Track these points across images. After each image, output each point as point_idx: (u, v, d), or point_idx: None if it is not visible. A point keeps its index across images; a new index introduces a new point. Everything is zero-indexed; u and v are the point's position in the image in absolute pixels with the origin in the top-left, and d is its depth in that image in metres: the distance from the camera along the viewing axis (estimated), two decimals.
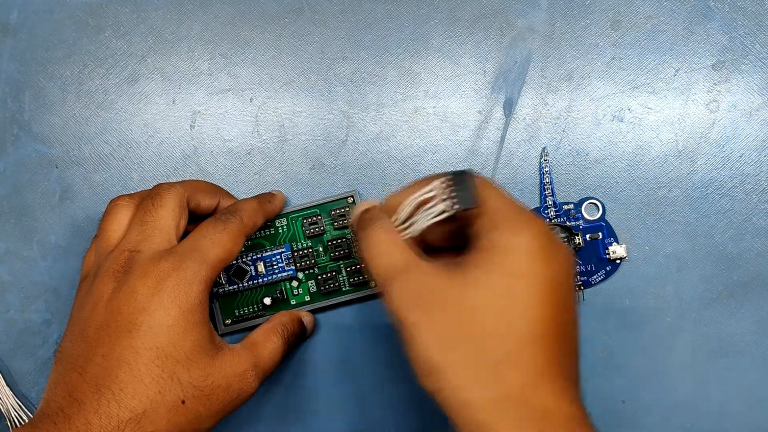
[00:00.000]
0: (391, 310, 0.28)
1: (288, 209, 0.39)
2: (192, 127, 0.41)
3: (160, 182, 0.35)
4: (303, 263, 0.38)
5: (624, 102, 0.38)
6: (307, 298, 0.38)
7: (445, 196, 0.29)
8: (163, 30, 0.41)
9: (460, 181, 0.29)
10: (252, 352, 0.33)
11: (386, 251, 0.29)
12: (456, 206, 0.29)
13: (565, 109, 0.39)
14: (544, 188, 0.38)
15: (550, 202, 0.38)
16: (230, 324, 0.38)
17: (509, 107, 0.39)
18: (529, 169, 0.39)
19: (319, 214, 0.38)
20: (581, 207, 0.38)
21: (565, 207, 0.38)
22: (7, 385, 0.40)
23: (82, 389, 0.29)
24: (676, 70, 0.38)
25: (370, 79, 0.40)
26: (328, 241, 0.38)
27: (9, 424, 0.39)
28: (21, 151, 0.41)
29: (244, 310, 0.38)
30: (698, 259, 0.37)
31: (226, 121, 0.40)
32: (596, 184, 0.38)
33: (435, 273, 0.28)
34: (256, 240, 0.38)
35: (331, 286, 0.38)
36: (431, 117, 0.39)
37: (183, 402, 0.29)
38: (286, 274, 0.38)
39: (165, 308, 0.30)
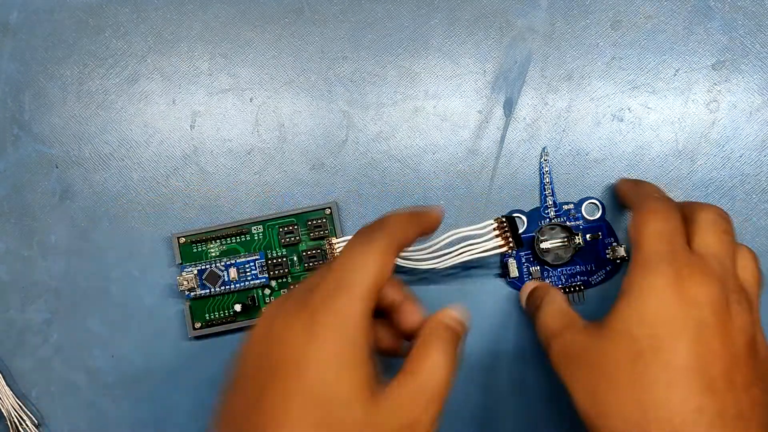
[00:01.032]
0: (554, 369, 0.30)
1: (265, 216, 0.39)
2: (192, 127, 0.41)
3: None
4: (277, 272, 0.38)
5: (624, 102, 0.38)
6: None
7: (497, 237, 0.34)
8: (163, 30, 0.41)
9: (512, 224, 0.34)
10: (418, 383, 0.27)
11: (550, 316, 0.32)
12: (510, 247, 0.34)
13: (565, 109, 0.39)
14: (544, 188, 0.38)
15: (550, 202, 0.38)
16: (200, 328, 0.38)
17: (509, 107, 0.39)
18: (529, 169, 0.39)
19: (296, 224, 0.38)
20: (581, 207, 0.38)
21: (565, 207, 0.38)
22: (7, 385, 0.40)
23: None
24: (676, 70, 0.38)
25: (370, 79, 0.40)
26: (303, 251, 0.38)
27: (9, 424, 0.39)
28: (21, 151, 0.41)
29: (214, 315, 0.38)
30: None
31: (226, 121, 0.40)
32: (596, 184, 0.38)
33: (582, 331, 0.30)
34: (231, 245, 0.39)
35: None
36: (431, 117, 0.39)
37: None
38: (259, 281, 0.38)
39: (320, 348, 0.26)
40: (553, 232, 0.38)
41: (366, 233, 0.29)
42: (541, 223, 0.38)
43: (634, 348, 0.27)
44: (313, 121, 0.40)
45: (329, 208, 0.38)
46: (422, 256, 0.35)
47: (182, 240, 0.39)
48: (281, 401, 0.25)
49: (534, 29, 0.39)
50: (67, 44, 0.41)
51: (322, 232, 0.38)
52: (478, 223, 0.35)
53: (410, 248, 0.34)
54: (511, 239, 0.34)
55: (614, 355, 0.28)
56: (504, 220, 0.34)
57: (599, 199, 0.38)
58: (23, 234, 0.41)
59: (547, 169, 0.38)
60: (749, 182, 0.38)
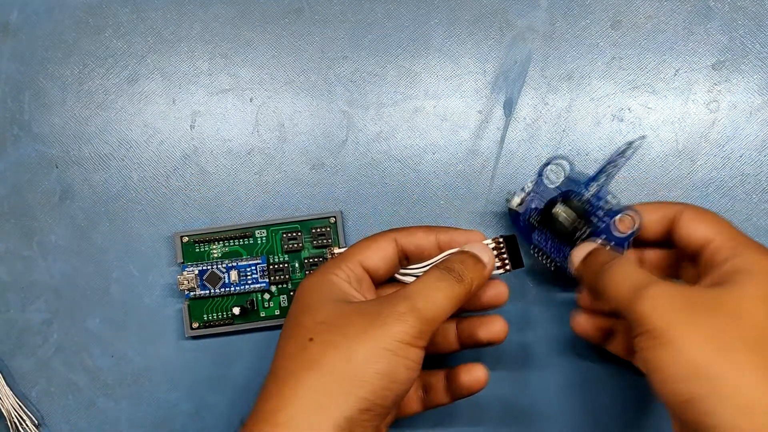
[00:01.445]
0: (644, 321, 0.27)
1: (269, 221, 0.38)
2: (192, 127, 0.41)
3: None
4: (277, 277, 0.38)
5: (624, 102, 0.38)
6: (277, 312, 0.38)
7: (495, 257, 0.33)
8: (163, 30, 0.41)
9: (510, 244, 0.33)
10: (408, 300, 0.30)
11: (630, 272, 0.29)
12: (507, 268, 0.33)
13: (565, 109, 0.39)
14: (606, 170, 0.33)
15: (595, 188, 0.33)
16: (197, 328, 0.38)
17: (509, 107, 0.39)
18: (529, 169, 0.39)
19: (300, 230, 0.38)
20: (544, 172, 0.35)
21: (610, 202, 0.33)
22: (7, 385, 0.40)
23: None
24: (676, 70, 0.38)
25: (370, 79, 0.40)
26: (305, 258, 0.38)
27: (9, 424, 0.39)
28: (21, 151, 0.41)
29: (212, 316, 0.38)
30: None
31: (226, 121, 0.40)
32: None
33: (690, 287, 0.28)
34: (234, 247, 0.38)
35: None
36: (431, 117, 0.39)
37: (311, 339, 0.29)
38: (259, 285, 0.38)
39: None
40: (570, 208, 0.34)
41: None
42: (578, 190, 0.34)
43: None
44: (313, 121, 0.40)
45: (334, 216, 0.38)
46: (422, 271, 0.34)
47: (185, 239, 0.39)
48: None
49: (534, 29, 0.39)
50: (67, 44, 0.41)
51: (324, 241, 0.38)
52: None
53: (413, 265, 0.34)
54: (507, 260, 0.33)
55: (753, 312, 0.27)
56: (501, 240, 0.33)
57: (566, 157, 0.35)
58: (23, 234, 0.41)
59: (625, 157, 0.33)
60: (749, 182, 0.38)
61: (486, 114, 0.39)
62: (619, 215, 0.33)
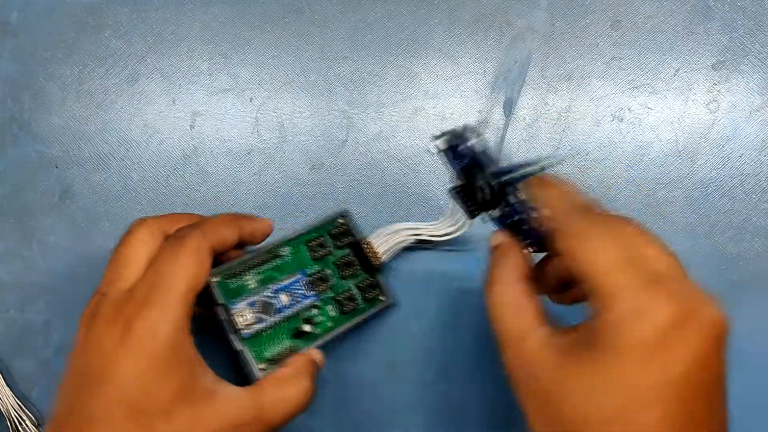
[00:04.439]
0: (523, 368, 0.25)
1: (286, 237, 0.36)
2: (192, 127, 0.41)
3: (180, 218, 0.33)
4: (319, 287, 0.35)
5: (624, 102, 0.38)
6: (330, 324, 0.35)
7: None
8: (163, 30, 0.41)
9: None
10: (256, 399, 0.29)
11: (511, 315, 0.26)
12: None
13: (565, 109, 0.39)
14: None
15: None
16: (265, 369, 0.32)
17: (509, 107, 0.39)
18: None
19: (323, 236, 0.36)
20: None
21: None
22: (7, 385, 0.40)
23: None
24: (676, 70, 0.38)
25: (370, 79, 0.40)
26: (334, 262, 0.36)
27: (9, 424, 0.39)
28: (21, 151, 0.41)
29: (275, 350, 0.33)
30: (698, 259, 0.37)
31: (226, 121, 0.40)
32: (596, 184, 0.38)
33: (547, 349, 0.25)
34: (267, 272, 0.35)
35: (351, 305, 0.36)
36: (431, 117, 0.39)
37: None
38: (309, 300, 0.35)
39: (133, 359, 0.26)
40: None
41: (179, 232, 0.29)
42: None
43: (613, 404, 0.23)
44: (313, 121, 0.40)
45: (342, 216, 0.37)
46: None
47: (215, 279, 0.33)
48: (97, 408, 0.26)
49: (534, 29, 0.39)
50: (67, 44, 0.41)
51: (347, 240, 0.37)
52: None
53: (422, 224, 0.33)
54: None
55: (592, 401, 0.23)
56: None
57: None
58: (23, 234, 0.41)
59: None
60: (749, 182, 0.38)
61: (486, 114, 0.39)
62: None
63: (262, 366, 0.32)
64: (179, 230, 0.30)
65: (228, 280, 0.33)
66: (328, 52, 0.40)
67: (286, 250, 0.35)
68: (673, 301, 0.23)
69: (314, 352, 0.33)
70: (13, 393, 0.40)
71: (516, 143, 0.39)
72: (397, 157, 0.39)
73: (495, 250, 0.29)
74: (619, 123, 0.38)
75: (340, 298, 0.36)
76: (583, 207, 0.26)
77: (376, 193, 0.39)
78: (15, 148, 0.41)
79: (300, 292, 0.35)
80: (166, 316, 0.27)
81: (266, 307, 0.34)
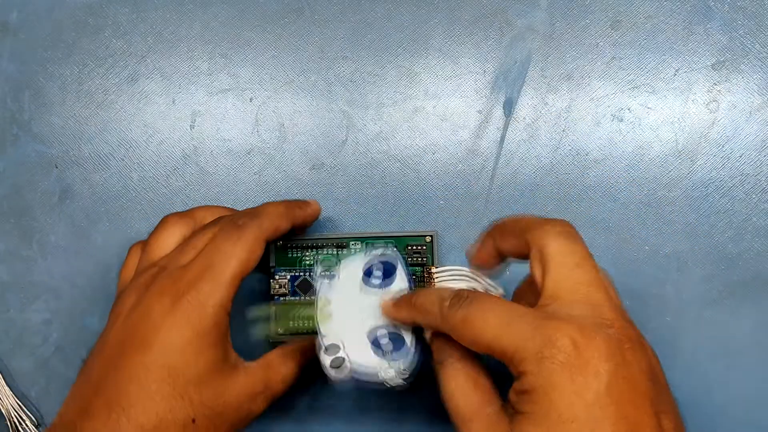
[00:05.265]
0: None
1: (365, 233, 0.36)
2: (192, 127, 0.41)
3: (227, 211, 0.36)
4: None
5: (624, 102, 0.38)
6: None
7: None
8: (163, 30, 0.41)
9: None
10: (266, 374, 0.32)
11: (458, 395, 0.28)
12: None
13: (565, 109, 0.39)
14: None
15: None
16: (281, 334, 0.36)
17: (509, 107, 0.39)
18: (529, 169, 0.39)
19: (395, 246, 0.36)
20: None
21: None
22: (7, 385, 0.40)
23: (94, 404, 0.29)
24: (676, 70, 0.38)
25: (370, 79, 0.40)
26: None
27: (9, 424, 0.39)
28: (21, 151, 0.41)
29: (298, 323, 0.36)
30: (698, 259, 0.37)
31: (226, 121, 0.40)
32: (596, 184, 0.38)
33: (495, 430, 0.26)
34: (327, 256, 0.36)
35: None
36: (431, 117, 0.39)
37: (193, 421, 0.29)
38: None
39: (178, 328, 0.29)
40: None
41: (238, 220, 0.32)
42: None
43: None
44: (313, 121, 0.40)
45: (430, 236, 0.36)
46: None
47: (278, 242, 0.36)
48: (137, 367, 0.29)
49: (534, 29, 0.39)
50: (67, 44, 0.41)
51: (419, 259, 0.36)
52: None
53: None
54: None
55: None
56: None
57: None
58: (23, 234, 0.41)
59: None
60: (749, 182, 0.38)
61: (486, 114, 0.39)
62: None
63: (280, 330, 0.36)
64: (239, 218, 0.32)
65: (290, 249, 0.36)
66: (328, 52, 0.40)
67: (356, 245, 0.36)
68: (562, 334, 0.24)
69: (312, 339, 0.35)
70: (13, 393, 0.40)
71: (516, 143, 0.39)
72: (397, 157, 0.39)
73: (436, 338, 0.30)
74: (619, 123, 0.38)
75: None
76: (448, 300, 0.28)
77: (376, 193, 0.39)
78: (15, 148, 0.41)
79: None
80: (216, 294, 0.30)
81: (305, 286, 0.36)
